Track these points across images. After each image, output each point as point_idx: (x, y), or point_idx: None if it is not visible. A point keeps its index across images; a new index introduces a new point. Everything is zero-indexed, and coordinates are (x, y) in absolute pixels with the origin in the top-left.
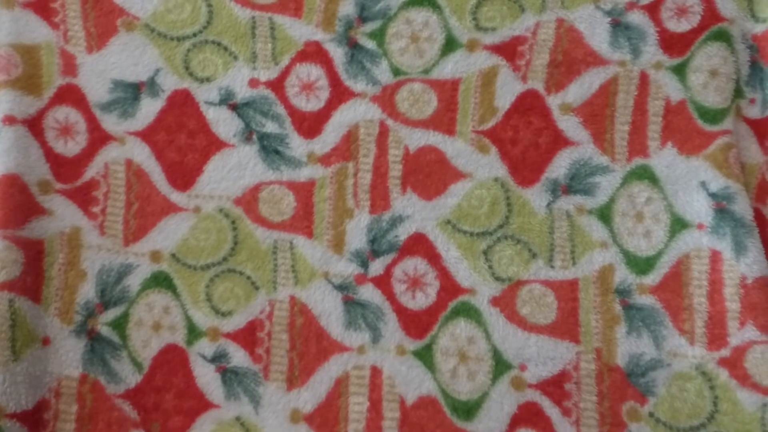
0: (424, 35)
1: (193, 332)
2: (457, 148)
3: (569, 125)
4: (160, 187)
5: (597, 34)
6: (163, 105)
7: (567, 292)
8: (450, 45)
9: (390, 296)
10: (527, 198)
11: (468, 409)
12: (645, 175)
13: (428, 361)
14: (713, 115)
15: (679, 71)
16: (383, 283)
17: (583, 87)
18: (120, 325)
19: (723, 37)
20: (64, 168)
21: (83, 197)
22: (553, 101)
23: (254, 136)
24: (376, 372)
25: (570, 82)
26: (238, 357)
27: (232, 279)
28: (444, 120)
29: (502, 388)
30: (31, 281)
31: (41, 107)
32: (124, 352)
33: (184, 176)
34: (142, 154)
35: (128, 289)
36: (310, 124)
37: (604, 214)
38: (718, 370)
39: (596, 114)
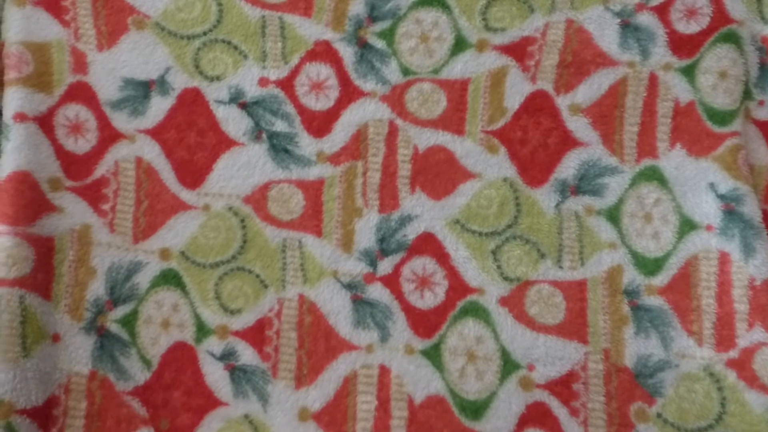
0: (434, 35)
1: (202, 330)
2: (466, 148)
3: (578, 126)
4: (169, 185)
5: (606, 35)
6: (173, 103)
7: (575, 292)
8: (459, 45)
9: (398, 295)
10: (536, 198)
11: (476, 409)
12: (654, 176)
13: (436, 361)
14: (722, 117)
15: (689, 73)
16: (392, 282)
17: (592, 88)
18: (129, 322)
19: (732, 38)
20: (75, 165)
21: (93, 195)
22: (563, 102)
23: (264, 135)
24: (384, 371)
25: (579, 83)
26: (247, 355)
27: (241, 277)
28: (453, 120)
29: (510, 388)
30: (41, 278)
31: (52, 105)
32: (133, 350)
33: (193, 174)
34: (152, 152)
35: (137, 287)
36: (319, 123)
37: (613, 215)
38: (726, 371)
39: (605, 115)
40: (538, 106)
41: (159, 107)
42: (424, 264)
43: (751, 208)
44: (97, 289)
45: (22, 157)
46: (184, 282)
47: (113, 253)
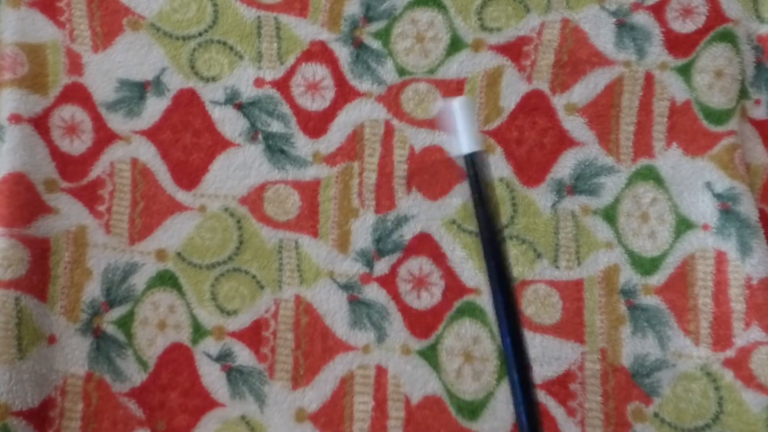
0: (430, 35)
1: (199, 331)
2: None
3: (574, 125)
4: (165, 186)
5: (602, 35)
6: (168, 104)
7: (572, 292)
8: (455, 45)
9: (395, 296)
10: (532, 198)
11: (473, 409)
12: (650, 175)
13: (433, 361)
14: (718, 116)
15: (685, 72)
16: (388, 282)
17: (588, 87)
18: (125, 323)
19: (728, 37)
20: (70, 167)
21: (89, 196)
22: (558, 101)
23: (259, 136)
24: (381, 371)
25: (575, 83)
26: (244, 356)
27: (238, 278)
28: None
29: (507, 388)
30: (37, 279)
31: (47, 106)
32: (130, 351)
33: (189, 175)
34: (147, 153)
35: (134, 288)
36: (315, 124)
37: (609, 215)
38: (723, 370)
39: (601, 114)
40: (534, 105)
41: (155, 108)
42: (420, 264)
43: (747, 207)
44: (93, 290)
45: (17, 159)
46: (181, 283)
47: (109, 255)
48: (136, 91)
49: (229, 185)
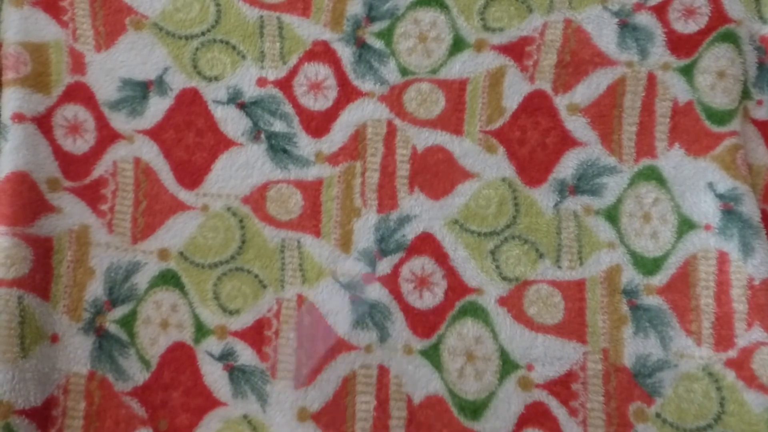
0: (432, 35)
1: (201, 330)
2: (464, 148)
3: (577, 126)
4: (168, 186)
5: (605, 35)
6: (171, 103)
7: (574, 292)
8: (458, 45)
9: (397, 295)
10: (535, 198)
11: (475, 409)
12: (652, 175)
13: (435, 361)
14: (721, 117)
15: (687, 72)
16: (391, 282)
17: (590, 87)
18: (128, 322)
19: (730, 38)
20: (73, 166)
21: (92, 195)
22: (561, 102)
23: (262, 135)
24: (383, 371)
25: (577, 83)
26: (246, 355)
27: (240, 277)
28: (452, 120)
29: (509, 388)
30: (40, 278)
31: (50, 105)
32: (132, 350)
33: (192, 175)
34: (150, 153)
35: (136, 287)
36: (318, 124)
37: (612, 215)
38: (725, 371)
39: (604, 115)
40: (536, 105)
41: (157, 107)
42: (422, 264)
43: (749, 208)
44: (95, 289)
45: (20, 158)
46: (183, 282)
47: (112, 254)
48: (139, 91)
49: (231, 185)
